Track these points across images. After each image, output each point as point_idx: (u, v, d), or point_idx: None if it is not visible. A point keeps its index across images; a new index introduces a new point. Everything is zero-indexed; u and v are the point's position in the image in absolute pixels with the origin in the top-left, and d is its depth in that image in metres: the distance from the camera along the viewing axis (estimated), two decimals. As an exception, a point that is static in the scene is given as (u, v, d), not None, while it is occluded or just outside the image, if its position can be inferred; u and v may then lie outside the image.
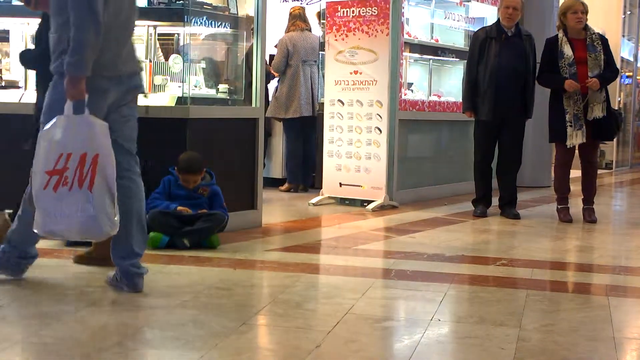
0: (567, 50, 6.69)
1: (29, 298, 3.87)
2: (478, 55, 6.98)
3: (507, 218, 6.97)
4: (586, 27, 6.81)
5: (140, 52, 6.07)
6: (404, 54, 7.95)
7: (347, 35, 7.55)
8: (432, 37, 8.80)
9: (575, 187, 7.13)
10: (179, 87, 5.70)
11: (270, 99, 8.58)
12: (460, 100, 9.03)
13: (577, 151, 6.85)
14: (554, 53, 6.74)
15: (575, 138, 6.66)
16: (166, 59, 6.14)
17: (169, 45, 6.68)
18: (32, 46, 6.09)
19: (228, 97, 6.21)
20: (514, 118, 7.01)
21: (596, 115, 6.67)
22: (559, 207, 6.97)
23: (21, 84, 6.11)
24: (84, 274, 4.36)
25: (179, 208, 5.21)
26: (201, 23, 5.83)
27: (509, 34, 6.97)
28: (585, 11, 6.77)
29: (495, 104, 6.88)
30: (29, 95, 5.82)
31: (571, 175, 7.00)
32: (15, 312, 3.63)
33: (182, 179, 5.30)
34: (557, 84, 6.69)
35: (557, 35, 6.82)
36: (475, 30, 9.38)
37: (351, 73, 7.52)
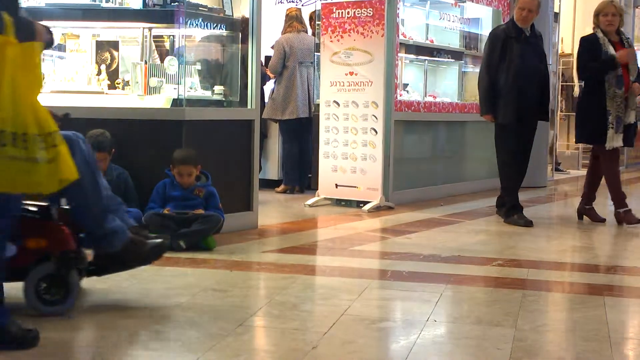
0: (611, 50, 6.55)
1: (25, 302, 3.86)
2: (499, 56, 6.67)
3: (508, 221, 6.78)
4: (619, 31, 6.71)
5: (135, 54, 6.10)
6: (399, 54, 7.96)
7: (342, 37, 7.55)
8: (427, 38, 8.81)
9: (571, 188, 7.13)
10: (175, 89, 5.70)
11: (266, 100, 8.58)
12: (456, 101, 9.07)
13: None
14: (596, 51, 6.54)
15: (616, 141, 6.50)
16: (161, 60, 6.13)
17: (164, 47, 6.67)
18: None
19: (223, 99, 6.20)
20: (534, 120, 6.77)
21: (630, 120, 6.56)
22: (622, 210, 6.68)
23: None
24: (80, 277, 4.36)
25: (165, 211, 5.21)
26: (196, 25, 5.83)
27: (527, 34, 6.73)
28: (616, 14, 6.64)
29: (519, 106, 6.58)
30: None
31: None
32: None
33: (177, 173, 5.29)
34: (608, 66, 6.45)
35: (595, 34, 6.64)
36: (469, 29, 9.49)
37: (346, 74, 7.53)
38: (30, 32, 3.12)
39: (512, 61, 6.60)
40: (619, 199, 6.71)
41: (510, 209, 6.78)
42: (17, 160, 2.86)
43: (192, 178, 5.31)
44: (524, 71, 6.59)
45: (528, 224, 6.59)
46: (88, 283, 4.19)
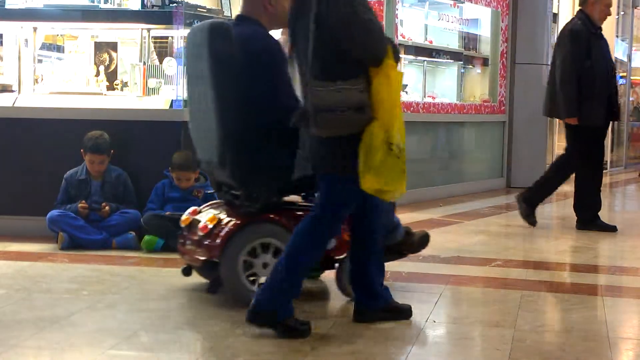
0: None
1: (24, 302, 3.86)
2: (585, 54, 6.21)
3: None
4: None
5: (134, 55, 6.10)
6: (398, 55, 7.94)
7: (341, 37, 7.53)
8: (426, 39, 8.80)
9: (570, 188, 7.10)
10: (173, 89, 5.69)
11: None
12: (456, 102, 9.06)
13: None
14: None
15: None
16: (160, 62, 6.13)
17: (163, 48, 6.67)
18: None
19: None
20: (610, 122, 6.49)
21: None
22: None
23: (15, 87, 6.09)
24: (78, 277, 4.36)
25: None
26: (195, 26, 5.81)
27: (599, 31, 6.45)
28: None
29: (609, 107, 6.25)
30: (23, 99, 5.81)
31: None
32: (10, 316, 3.62)
33: (175, 177, 5.29)
34: None
35: None
36: (468, 30, 9.47)
37: (346, 75, 7.49)
38: (397, 54, 3.39)
39: (598, 60, 6.24)
40: None
41: (592, 217, 6.43)
42: (401, 172, 3.22)
43: (190, 182, 5.32)
44: (609, 70, 6.35)
45: (532, 223, 6.47)
46: (83, 285, 4.19)
